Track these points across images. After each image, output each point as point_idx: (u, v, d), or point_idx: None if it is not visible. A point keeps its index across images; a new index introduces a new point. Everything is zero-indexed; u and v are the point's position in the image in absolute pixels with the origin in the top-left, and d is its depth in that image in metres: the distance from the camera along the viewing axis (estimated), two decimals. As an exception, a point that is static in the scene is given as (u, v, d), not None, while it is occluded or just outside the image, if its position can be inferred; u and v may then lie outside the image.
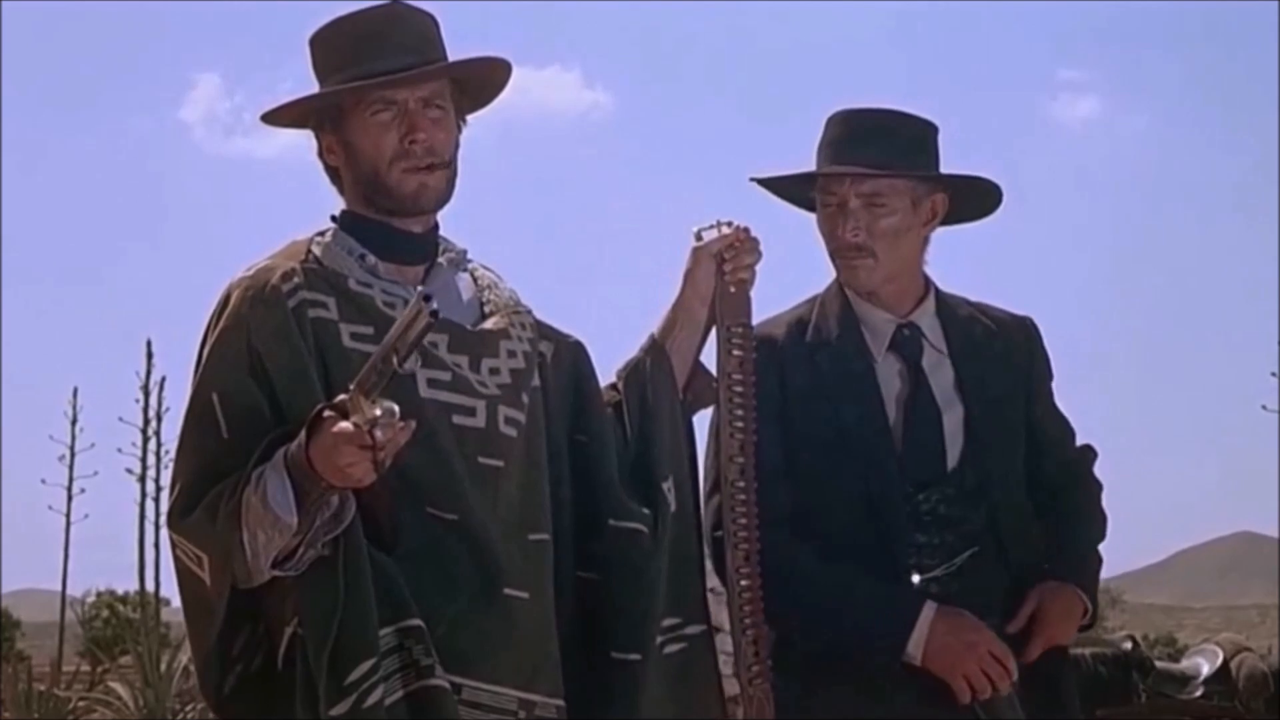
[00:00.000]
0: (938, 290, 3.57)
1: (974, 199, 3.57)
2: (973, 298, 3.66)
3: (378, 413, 2.65)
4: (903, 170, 3.44)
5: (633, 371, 3.26)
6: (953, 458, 3.47)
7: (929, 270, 3.60)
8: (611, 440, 3.19)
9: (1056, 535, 3.57)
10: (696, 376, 3.31)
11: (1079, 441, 3.72)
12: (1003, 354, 3.56)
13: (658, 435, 3.22)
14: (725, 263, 3.26)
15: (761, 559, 3.28)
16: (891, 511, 3.41)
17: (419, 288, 2.95)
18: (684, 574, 3.20)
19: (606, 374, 3.28)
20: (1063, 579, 3.51)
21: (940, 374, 3.50)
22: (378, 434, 2.66)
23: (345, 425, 2.67)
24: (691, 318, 3.29)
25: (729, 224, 3.28)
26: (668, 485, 3.21)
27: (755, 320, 3.39)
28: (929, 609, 3.35)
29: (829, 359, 3.47)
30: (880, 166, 3.42)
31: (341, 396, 2.71)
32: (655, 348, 3.28)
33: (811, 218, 3.55)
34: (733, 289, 3.27)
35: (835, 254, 3.47)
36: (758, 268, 3.29)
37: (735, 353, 3.29)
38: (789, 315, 3.56)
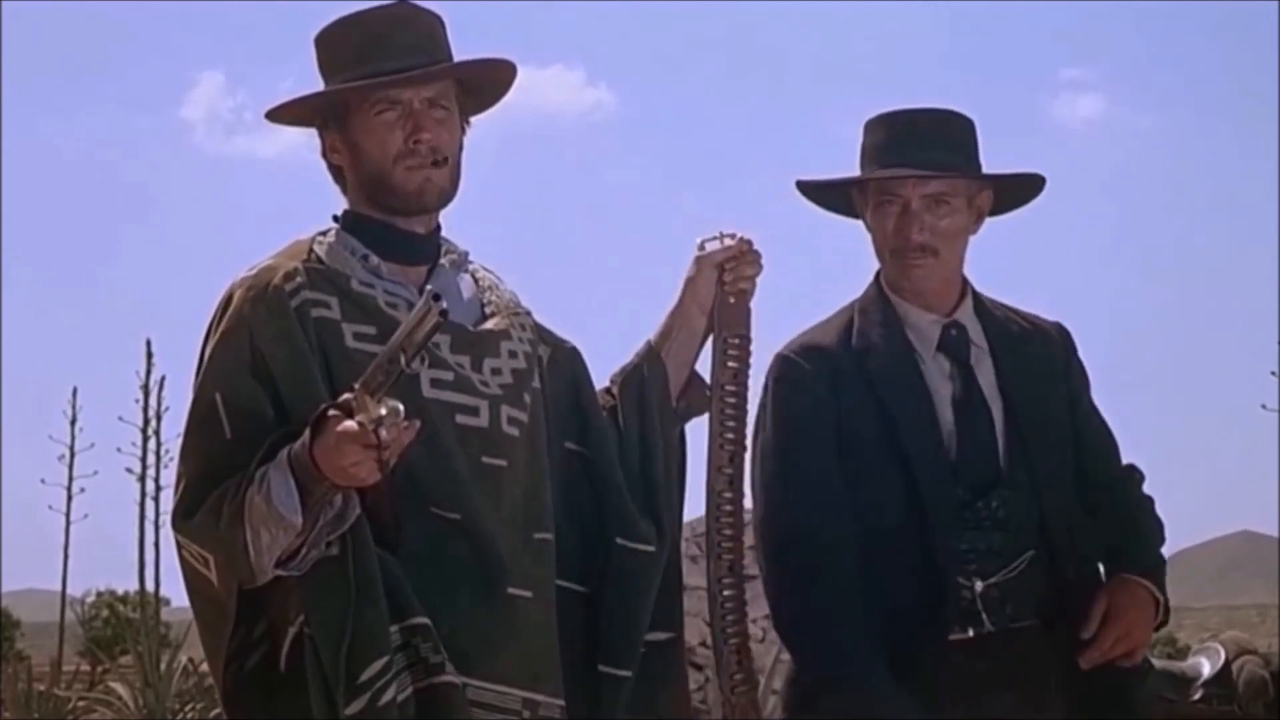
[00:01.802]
0: (974, 290, 3.57)
1: (1011, 194, 3.58)
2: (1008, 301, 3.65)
3: (383, 412, 2.65)
4: (963, 170, 3.46)
5: (629, 378, 3.26)
6: (1004, 456, 3.45)
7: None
8: (614, 453, 3.18)
9: (1114, 537, 3.54)
10: (691, 384, 3.32)
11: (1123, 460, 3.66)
12: (1039, 353, 3.55)
13: (656, 446, 3.22)
14: (726, 273, 3.28)
15: (816, 579, 3.31)
16: (943, 515, 3.39)
17: (428, 286, 2.95)
18: (664, 583, 3.19)
19: (604, 369, 3.28)
20: (1129, 573, 3.48)
21: (983, 371, 3.49)
22: (383, 433, 2.65)
23: (350, 424, 2.67)
24: (689, 325, 3.30)
25: (732, 235, 3.30)
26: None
27: (804, 329, 3.47)
28: None
29: (878, 363, 3.46)
30: (941, 166, 3.43)
31: (346, 396, 2.71)
32: (651, 354, 3.28)
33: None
34: (732, 299, 3.29)
35: (896, 254, 3.46)
36: (759, 279, 3.31)
37: (730, 364, 3.30)
38: (835, 322, 3.54)
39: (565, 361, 3.20)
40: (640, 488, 3.19)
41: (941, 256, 3.45)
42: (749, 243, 3.30)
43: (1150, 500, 3.63)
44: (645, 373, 3.25)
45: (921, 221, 3.42)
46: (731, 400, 3.30)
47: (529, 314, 3.17)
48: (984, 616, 3.39)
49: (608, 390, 3.26)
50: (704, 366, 3.34)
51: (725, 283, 3.28)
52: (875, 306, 3.52)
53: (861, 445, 3.42)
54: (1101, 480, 3.59)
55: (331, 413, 2.72)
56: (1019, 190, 3.59)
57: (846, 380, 3.44)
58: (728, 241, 3.29)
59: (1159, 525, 3.62)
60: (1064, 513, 3.48)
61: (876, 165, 3.47)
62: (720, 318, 3.29)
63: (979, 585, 3.40)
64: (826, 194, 3.57)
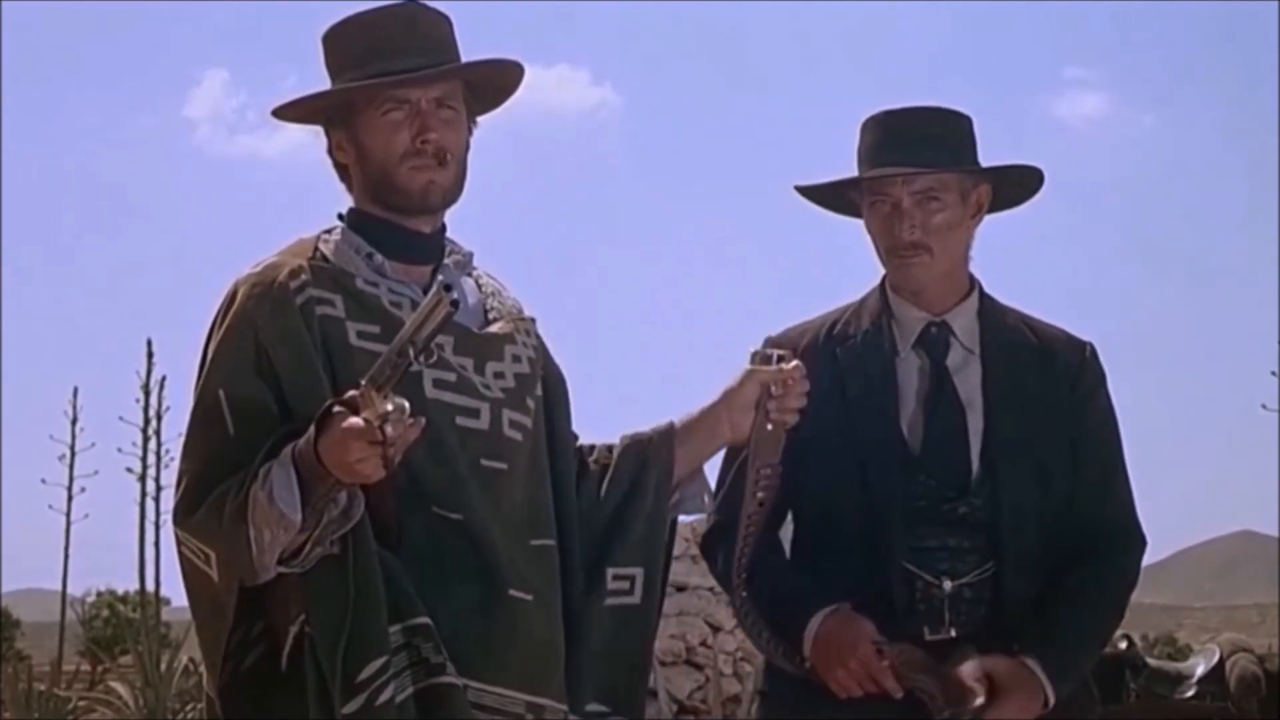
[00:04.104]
0: (984, 293, 3.54)
1: (1011, 188, 3.56)
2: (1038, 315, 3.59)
3: (389, 408, 2.64)
4: (949, 165, 3.43)
5: (633, 447, 3.20)
6: (977, 460, 3.42)
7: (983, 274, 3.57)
8: (573, 484, 3.13)
9: (1050, 611, 3.38)
10: (694, 480, 3.25)
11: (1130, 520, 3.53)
12: (1041, 365, 3.49)
13: (632, 522, 3.15)
14: (771, 399, 3.18)
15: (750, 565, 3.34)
16: (888, 504, 3.37)
17: (439, 277, 2.96)
18: (622, 668, 3.14)
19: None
20: (1036, 662, 3.32)
21: (967, 373, 3.46)
22: (388, 430, 2.65)
23: (355, 421, 2.67)
24: (715, 431, 3.20)
25: (784, 356, 3.20)
26: (625, 573, 3.13)
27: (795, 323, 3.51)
28: (822, 612, 3.31)
29: (848, 353, 3.47)
30: (929, 163, 3.41)
31: (352, 392, 2.70)
32: (664, 439, 3.19)
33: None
34: (770, 428, 3.19)
35: (890, 253, 3.45)
36: (799, 409, 3.20)
37: (759, 494, 3.24)
38: (828, 315, 3.56)
39: (553, 382, 3.17)
40: (594, 556, 3.13)
41: (936, 253, 3.42)
42: (800, 370, 3.20)
43: (1123, 572, 3.50)
44: (649, 456, 3.18)
45: (912, 219, 3.40)
46: (751, 530, 3.29)
47: (533, 321, 3.17)
48: (946, 617, 3.35)
49: (609, 448, 3.22)
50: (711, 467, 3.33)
51: (769, 410, 3.18)
52: (871, 302, 3.53)
53: (822, 428, 3.39)
54: (1075, 525, 3.46)
55: (336, 409, 2.71)
56: (1018, 186, 3.56)
57: (815, 366, 3.40)
58: (784, 366, 3.19)
59: (1108, 609, 3.48)
60: (1020, 534, 3.40)
61: (869, 166, 3.46)
62: (756, 446, 3.20)
63: (948, 585, 3.37)
64: (828, 197, 3.55)
